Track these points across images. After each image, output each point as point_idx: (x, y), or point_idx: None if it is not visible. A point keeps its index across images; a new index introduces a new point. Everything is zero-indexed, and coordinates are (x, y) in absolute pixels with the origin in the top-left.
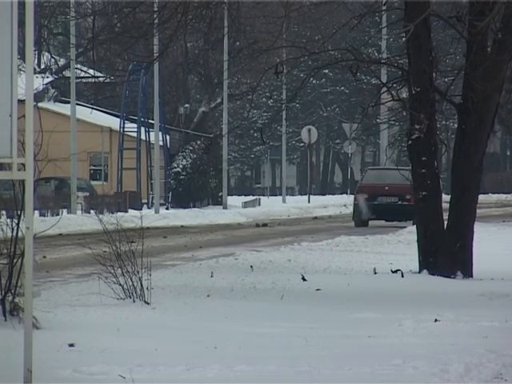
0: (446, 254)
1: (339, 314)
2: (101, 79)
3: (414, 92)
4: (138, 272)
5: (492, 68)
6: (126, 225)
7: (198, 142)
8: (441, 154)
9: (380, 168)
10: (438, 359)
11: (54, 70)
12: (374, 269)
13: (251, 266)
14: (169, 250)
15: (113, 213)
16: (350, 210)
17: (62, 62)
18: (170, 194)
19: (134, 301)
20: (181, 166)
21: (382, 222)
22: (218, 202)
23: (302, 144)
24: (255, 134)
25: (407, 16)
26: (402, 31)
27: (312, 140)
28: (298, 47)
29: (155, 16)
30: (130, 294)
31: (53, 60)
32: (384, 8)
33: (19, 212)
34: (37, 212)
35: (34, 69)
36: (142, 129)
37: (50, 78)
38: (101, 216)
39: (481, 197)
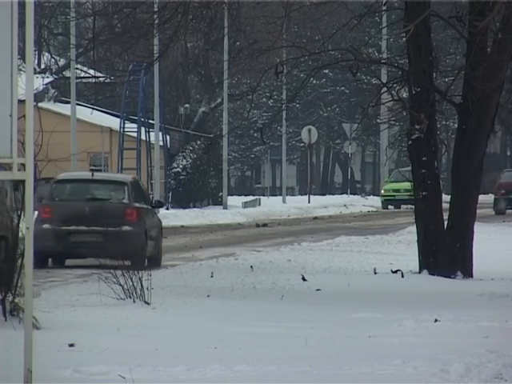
0: (446, 254)
1: (339, 314)
2: (101, 79)
3: (414, 92)
4: (138, 272)
5: (492, 68)
6: None
7: (198, 142)
8: (441, 154)
9: None
10: (438, 359)
11: (54, 70)
12: (374, 269)
13: (251, 266)
14: (169, 250)
15: None
16: (350, 210)
17: (62, 62)
18: (170, 194)
19: (134, 301)
20: (181, 166)
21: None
22: (218, 202)
23: (302, 144)
24: (255, 134)
25: (407, 16)
26: (402, 31)
27: (312, 140)
28: (298, 47)
29: (155, 16)
30: (130, 294)
31: (53, 60)
32: (384, 8)
33: (19, 212)
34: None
35: (34, 69)
36: (142, 129)
37: (50, 78)
38: None
39: (481, 197)
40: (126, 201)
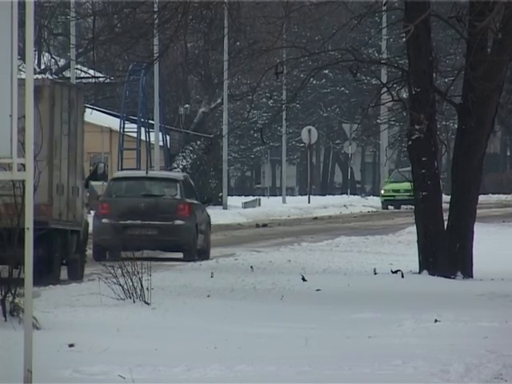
0: (446, 254)
1: (339, 314)
2: (101, 79)
3: (414, 92)
4: (138, 272)
5: (492, 68)
6: None
7: (198, 143)
8: (441, 155)
9: None
10: (437, 359)
11: (54, 70)
12: (374, 269)
13: (251, 267)
14: None
15: None
16: (350, 210)
17: (62, 62)
18: None
19: (134, 301)
20: (181, 166)
21: None
22: (218, 202)
23: (302, 144)
24: (255, 135)
25: (407, 16)
26: (402, 31)
27: (312, 140)
28: (298, 47)
29: (155, 16)
30: (130, 294)
31: (53, 60)
32: (384, 8)
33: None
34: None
35: (34, 69)
36: (142, 129)
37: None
38: None
39: (481, 197)
40: (178, 197)
